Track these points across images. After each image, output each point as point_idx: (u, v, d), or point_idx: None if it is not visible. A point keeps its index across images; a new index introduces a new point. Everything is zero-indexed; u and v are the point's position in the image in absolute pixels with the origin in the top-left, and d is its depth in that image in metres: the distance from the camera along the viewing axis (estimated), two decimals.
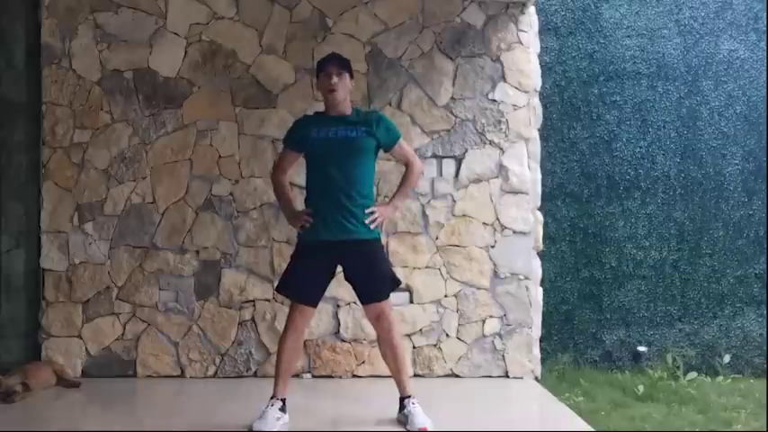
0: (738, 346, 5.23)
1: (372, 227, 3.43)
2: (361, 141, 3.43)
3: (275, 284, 3.75)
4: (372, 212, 3.43)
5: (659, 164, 5.31)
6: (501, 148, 4.54)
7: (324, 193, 3.43)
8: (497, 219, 4.53)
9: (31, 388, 3.91)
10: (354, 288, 3.53)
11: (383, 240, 4.25)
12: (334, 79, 3.43)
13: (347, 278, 3.52)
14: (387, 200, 4.40)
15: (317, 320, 4.38)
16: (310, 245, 3.45)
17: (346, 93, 3.50)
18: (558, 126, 5.27)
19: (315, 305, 3.51)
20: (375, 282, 3.45)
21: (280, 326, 4.31)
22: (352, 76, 3.55)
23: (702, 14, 5.37)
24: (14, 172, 4.41)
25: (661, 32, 5.35)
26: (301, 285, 3.45)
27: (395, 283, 3.52)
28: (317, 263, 3.44)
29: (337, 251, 3.42)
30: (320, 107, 3.68)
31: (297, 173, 4.41)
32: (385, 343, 3.50)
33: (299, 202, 3.67)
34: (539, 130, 4.68)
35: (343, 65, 3.50)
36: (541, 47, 4.84)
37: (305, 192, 3.57)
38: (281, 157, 3.71)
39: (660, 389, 4.63)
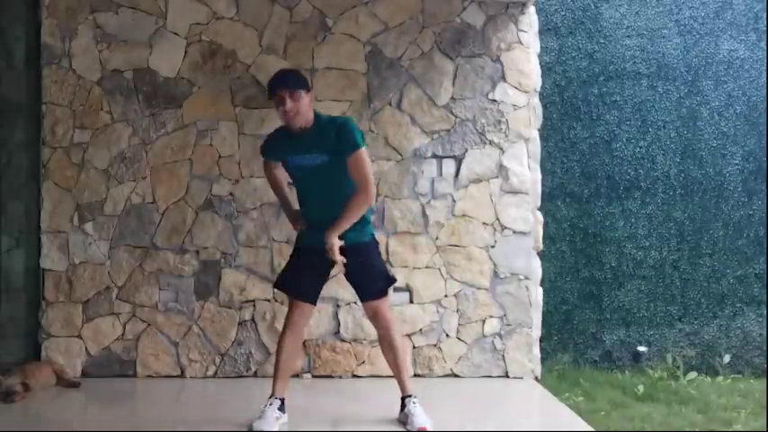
0: (738, 346, 5.23)
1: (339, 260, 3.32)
2: (327, 167, 3.33)
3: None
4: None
5: (659, 164, 5.30)
6: (501, 148, 4.54)
7: (310, 207, 3.50)
8: (497, 219, 4.53)
9: (31, 388, 3.91)
10: (353, 288, 3.56)
11: (382, 241, 4.28)
12: (288, 105, 3.27)
13: (347, 278, 3.54)
14: (386, 199, 4.44)
15: (317, 320, 4.38)
16: (306, 246, 3.50)
17: (306, 108, 3.32)
18: (558, 126, 5.26)
19: (313, 303, 3.51)
20: (368, 280, 3.47)
21: (280, 326, 4.30)
22: (308, 89, 3.36)
23: (702, 14, 5.36)
24: (14, 172, 4.41)
25: (661, 32, 5.34)
26: (298, 283, 3.47)
27: (389, 281, 3.53)
28: (313, 264, 3.46)
29: None
30: (318, 107, 3.66)
31: None
32: (384, 341, 3.52)
33: (293, 199, 3.67)
34: (539, 130, 4.68)
35: (294, 84, 3.30)
36: (541, 47, 4.84)
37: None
38: (266, 163, 3.74)
39: (660, 389, 4.63)
